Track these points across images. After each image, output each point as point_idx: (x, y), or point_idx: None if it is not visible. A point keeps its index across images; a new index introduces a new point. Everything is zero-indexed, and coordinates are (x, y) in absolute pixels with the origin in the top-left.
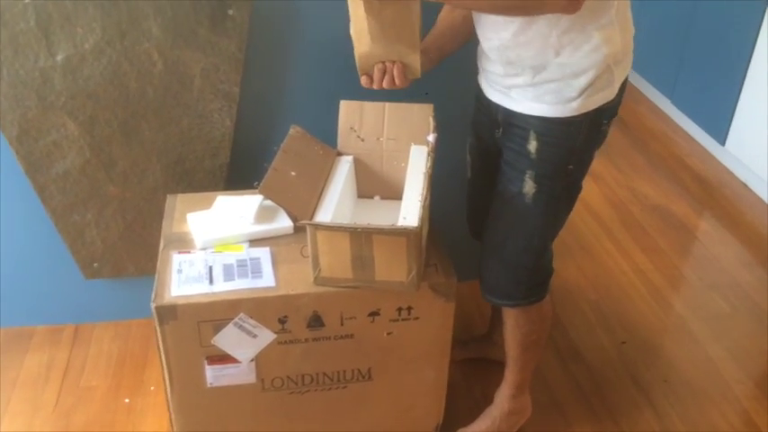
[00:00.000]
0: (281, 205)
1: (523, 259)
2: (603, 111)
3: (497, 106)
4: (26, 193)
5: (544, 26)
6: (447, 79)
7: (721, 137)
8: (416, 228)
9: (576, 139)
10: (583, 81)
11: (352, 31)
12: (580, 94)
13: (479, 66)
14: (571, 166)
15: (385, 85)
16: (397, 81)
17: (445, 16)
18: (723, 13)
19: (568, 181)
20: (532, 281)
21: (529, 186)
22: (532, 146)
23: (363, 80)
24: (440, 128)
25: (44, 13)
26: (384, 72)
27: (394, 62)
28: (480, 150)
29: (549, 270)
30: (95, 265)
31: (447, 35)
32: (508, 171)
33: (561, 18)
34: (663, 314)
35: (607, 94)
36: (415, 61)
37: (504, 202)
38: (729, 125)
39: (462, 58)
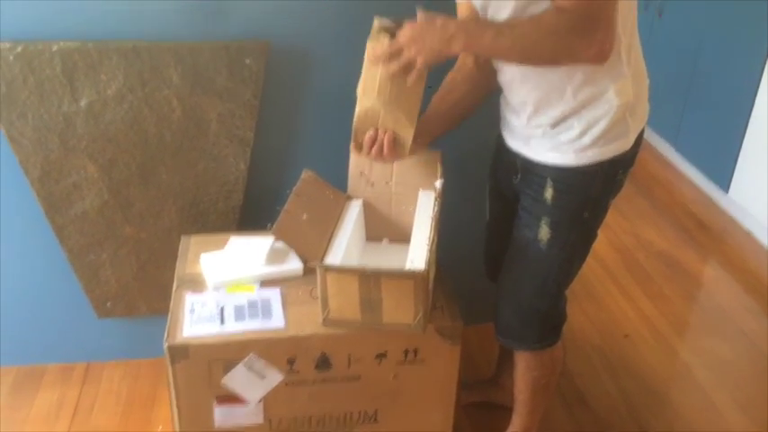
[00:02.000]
0: (292, 247)
1: (537, 303)
2: (618, 161)
3: (516, 154)
4: (44, 233)
5: (559, 80)
6: (469, 124)
7: (725, 184)
8: (423, 271)
9: (592, 189)
10: (597, 132)
11: (359, 89)
12: (595, 145)
13: (501, 115)
14: (586, 215)
15: (374, 154)
16: (385, 151)
17: (445, 97)
18: (724, 63)
19: (583, 229)
20: (546, 325)
21: (544, 232)
22: (549, 193)
23: (353, 146)
24: (456, 172)
25: (70, 60)
26: (374, 141)
27: (386, 131)
28: (499, 195)
29: (562, 315)
30: (108, 304)
31: (447, 113)
32: (525, 217)
33: (576, 72)
34: (668, 361)
35: (622, 145)
36: (408, 135)
37: (520, 247)
38: (732, 173)
39: (483, 106)
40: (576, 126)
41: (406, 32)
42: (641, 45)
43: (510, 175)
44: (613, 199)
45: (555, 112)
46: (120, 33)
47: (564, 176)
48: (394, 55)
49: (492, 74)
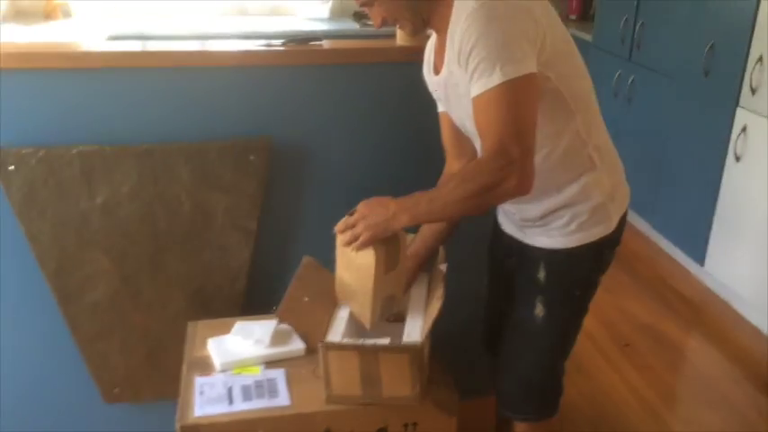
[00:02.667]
0: (296, 329)
1: (535, 377)
2: (604, 242)
3: (512, 238)
4: (55, 322)
5: (543, 186)
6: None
7: (700, 258)
8: (419, 344)
9: (581, 268)
10: (582, 219)
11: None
12: (581, 229)
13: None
14: (578, 292)
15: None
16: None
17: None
18: (691, 144)
19: (575, 305)
20: (544, 398)
21: (539, 310)
22: (542, 274)
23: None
24: (449, 251)
25: (88, 162)
26: None
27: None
28: (497, 274)
29: (560, 388)
30: (116, 390)
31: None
32: (521, 296)
33: (557, 178)
34: (658, 430)
35: (606, 228)
36: (364, 312)
37: (517, 324)
38: (706, 247)
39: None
40: (564, 216)
41: (358, 210)
42: (614, 131)
43: (506, 257)
44: (602, 276)
45: (542, 209)
46: (134, 136)
47: (555, 258)
48: (347, 229)
49: None
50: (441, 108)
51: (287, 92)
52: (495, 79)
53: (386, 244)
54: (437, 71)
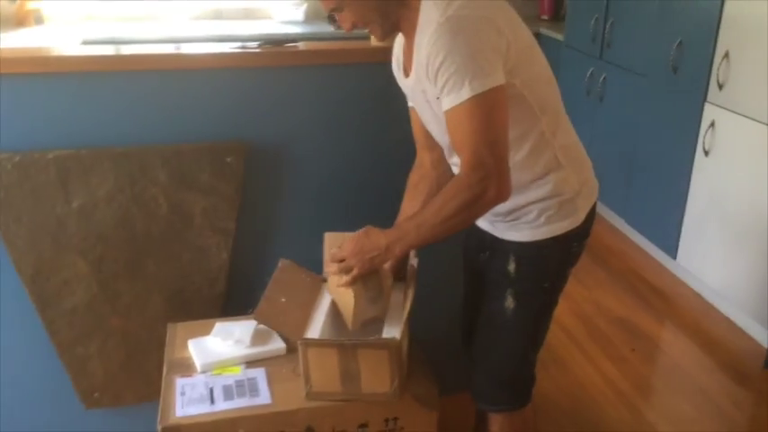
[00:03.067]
0: (273, 329)
1: (507, 368)
2: (572, 235)
3: (484, 232)
4: (34, 327)
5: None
6: None
7: (672, 251)
8: (397, 340)
9: (550, 261)
10: (549, 213)
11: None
12: (548, 223)
13: None
14: (547, 284)
15: None
16: None
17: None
18: (661, 139)
19: (545, 297)
20: (516, 388)
21: (509, 302)
22: (512, 267)
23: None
24: (429, 247)
25: (64, 166)
26: None
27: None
28: (471, 269)
29: (531, 378)
30: (96, 395)
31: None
32: (492, 289)
33: (523, 178)
34: (633, 421)
35: (573, 221)
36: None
37: (489, 316)
38: (678, 240)
39: None
40: (532, 211)
41: (349, 245)
42: (586, 128)
43: (479, 252)
44: (571, 268)
45: (510, 206)
46: (110, 140)
47: (524, 251)
48: (336, 261)
49: (449, 171)
50: (410, 103)
51: (263, 93)
52: (465, 94)
53: (364, 280)
54: (406, 73)
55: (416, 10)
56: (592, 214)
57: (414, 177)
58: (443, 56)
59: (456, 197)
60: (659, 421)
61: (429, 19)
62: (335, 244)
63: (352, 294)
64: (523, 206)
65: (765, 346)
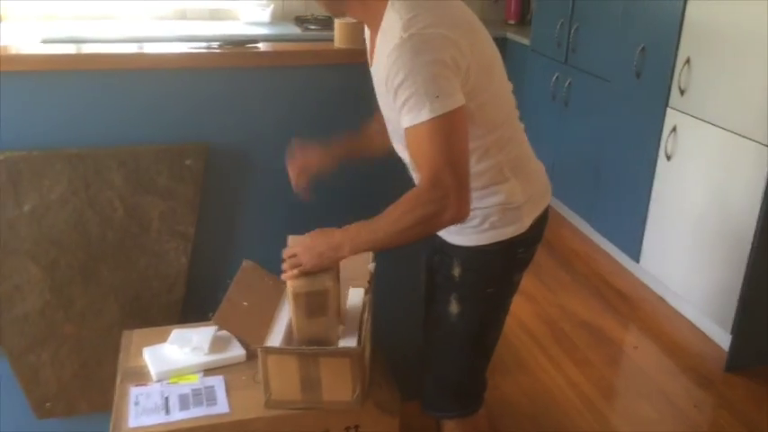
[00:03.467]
0: (233, 334)
1: (452, 374)
2: (517, 241)
3: (436, 235)
4: None
5: None
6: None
7: (636, 255)
8: (359, 348)
9: (494, 266)
10: (493, 219)
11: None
12: (492, 228)
13: None
14: (491, 290)
15: None
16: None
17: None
18: (625, 144)
19: (490, 303)
20: (461, 394)
21: (453, 306)
22: (456, 271)
23: None
24: (389, 253)
25: (15, 168)
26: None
27: None
28: (427, 273)
29: (480, 384)
30: (48, 404)
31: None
32: (437, 293)
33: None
34: (597, 424)
35: (517, 228)
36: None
37: (434, 321)
38: (641, 244)
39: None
40: (477, 217)
41: (301, 240)
42: (552, 132)
43: (432, 255)
44: (520, 275)
45: None
46: (64, 141)
47: (468, 255)
48: (288, 257)
49: None
50: None
51: (223, 94)
52: (425, 115)
53: (309, 294)
54: (371, 59)
55: (383, 6)
56: (541, 221)
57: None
58: (404, 75)
59: (413, 211)
60: (622, 424)
61: (392, 28)
62: None
63: (293, 309)
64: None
65: (726, 349)
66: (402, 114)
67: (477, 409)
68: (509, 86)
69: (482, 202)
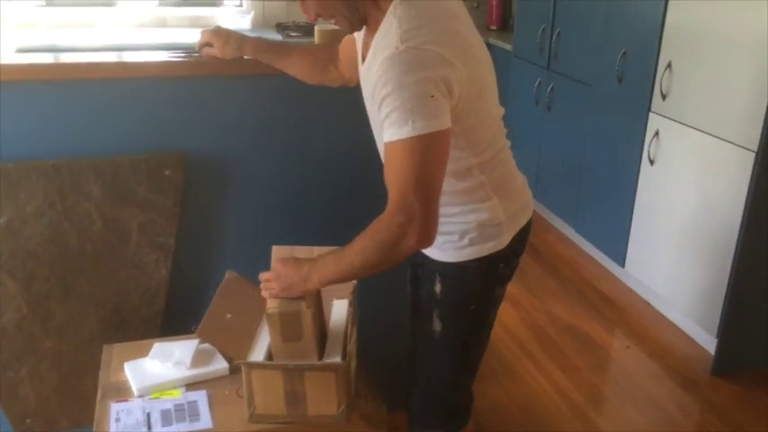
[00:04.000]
0: (217, 347)
1: (438, 389)
2: (496, 257)
3: (418, 251)
4: None
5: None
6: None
7: (621, 260)
8: (344, 363)
9: (474, 282)
10: (472, 236)
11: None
12: (472, 244)
13: None
14: (473, 306)
15: None
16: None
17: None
18: (608, 149)
19: (472, 319)
20: (448, 411)
21: (436, 324)
22: (437, 287)
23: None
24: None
25: None
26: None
27: None
28: (412, 286)
29: (465, 400)
30: (28, 421)
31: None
32: (420, 309)
33: (448, 209)
34: (584, 430)
35: (497, 244)
36: None
37: (417, 337)
38: (626, 249)
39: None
40: (455, 233)
41: (275, 266)
42: (535, 138)
43: (416, 268)
44: (501, 289)
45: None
46: (40, 152)
47: (448, 272)
48: (263, 281)
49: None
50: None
51: (203, 103)
52: (406, 132)
53: (282, 315)
54: (363, 58)
55: (383, 12)
56: (522, 235)
57: (309, 50)
58: (391, 88)
59: (375, 237)
60: (609, 429)
61: (389, 34)
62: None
63: (270, 331)
64: (445, 229)
65: (712, 352)
66: (384, 128)
67: (464, 425)
68: (500, 111)
69: (461, 218)
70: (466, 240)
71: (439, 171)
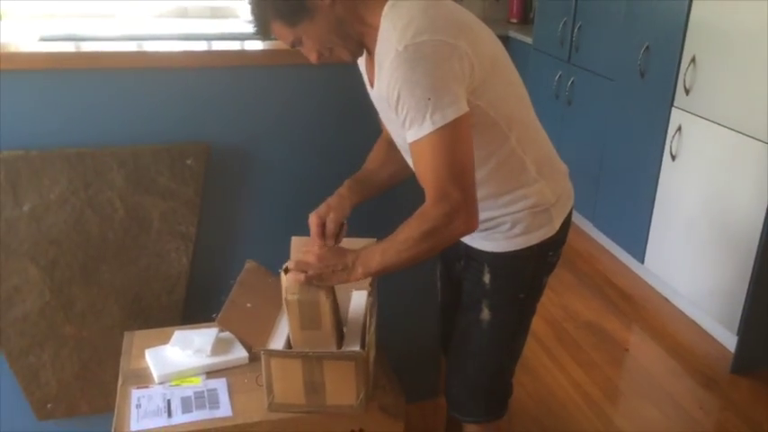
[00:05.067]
0: (237, 336)
1: (482, 379)
2: (547, 244)
3: (460, 242)
4: None
5: (482, 197)
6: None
7: (640, 255)
8: (364, 352)
9: (525, 271)
10: (524, 224)
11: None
12: (524, 233)
13: None
14: (522, 295)
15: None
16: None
17: (374, 158)
18: (629, 144)
19: (521, 308)
20: (491, 399)
21: (485, 314)
22: (487, 278)
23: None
24: None
25: (14, 168)
26: None
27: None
28: (447, 279)
29: (508, 390)
30: (49, 405)
31: (374, 174)
32: (467, 300)
33: (495, 193)
34: (602, 426)
35: (548, 230)
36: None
37: (464, 327)
38: (646, 245)
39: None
40: (506, 222)
41: (317, 252)
42: (555, 132)
43: (455, 261)
44: (547, 277)
45: (483, 217)
46: (64, 140)
47: (499, 262)
48: (299, 265)
49: None
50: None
51: (225, 93)
52: (426, 128)
53: (301, 303)
54: (371, 84)
55: (376, 28)
56: (567, 221)
57: (383, 146)
58: (400, 88)
59: (421, 228)
60: (626, 425)
61: (388, 41)
62: (303, 247)
63: (288, 317)
64: (497, 217)
65: (732, 350)
66: (404, 130)
67: (503, 415)
68: (520, 82)
69: (511, 207)
70: (517, 229)
71: (467, 156)
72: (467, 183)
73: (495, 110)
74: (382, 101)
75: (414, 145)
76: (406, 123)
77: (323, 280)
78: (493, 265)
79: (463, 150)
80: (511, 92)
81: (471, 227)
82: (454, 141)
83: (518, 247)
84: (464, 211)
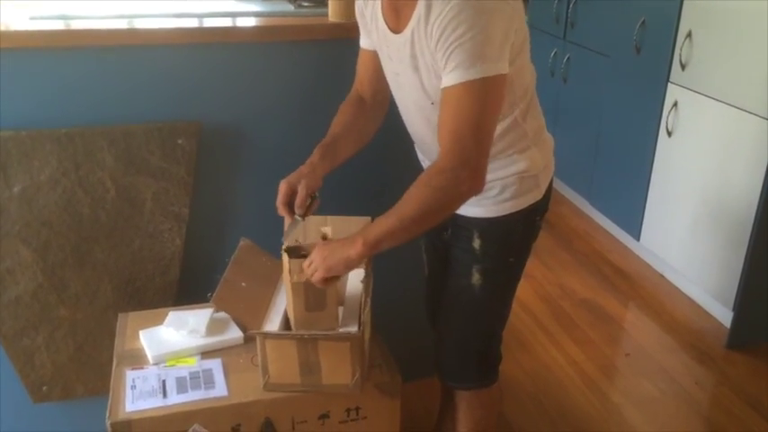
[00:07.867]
0: (232, 316)
1: (475, 345)
2: (534, 208)
3: None
4: None
5: None
6: (401, 186)
7: (636, 233)
8: (359, 332)
9: (514, 235)
10: (513, 189)
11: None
12: (513, 197)
13: None
14: (512, 259)
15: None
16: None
17: (341, 122)
18: (625, 122)
19: (510, 272)
20: (483, 365)
21: (476, 279)
22: (477, 243)
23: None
24: None
25: (3, 149)
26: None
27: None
28: (433, 250)
29: (498, 355)
30: (44, 388)
31: (342, 140)
32: (457, 266)
33: (491, 157)
34: (598, 402)
35: (535, 195)
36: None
37: (455, 294)
38: (642, 222)
39: (414, 167)
40: (495, 187)
41: (318, 251)
42: (551, 109)
43: (440, 231)
44: (534, 242)
45: None
46: (53, 121)
47: (488, 227)
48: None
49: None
50: (367, 46)
51: (217, 71)
52: (474, 74)
53: (308, 285)
54: (394, 29)
55: None
56: (550, 188)
57: (349, 111)
58: (463, 31)
59: (430, 183)
60: (623, 402)
61: None
62: (297, 226)
63: (293, 299)
64: (489, 181)
65: (727, 326)
66: (446, 72)
67: (495, 381)
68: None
69: (501, 172)
70: (506, 194)
71: (495, 117)
72: (486, 141)
73: (518, 78)
74: (406, 47)
75: (451, 89)
76: (450, 65)
77: (328, 269)
78: (483, 231)
79: (493, 110)
80: (528, 66)
81: (476, 187)
82: (490, 96)
83: (507, 212)
84: (473, 169)
